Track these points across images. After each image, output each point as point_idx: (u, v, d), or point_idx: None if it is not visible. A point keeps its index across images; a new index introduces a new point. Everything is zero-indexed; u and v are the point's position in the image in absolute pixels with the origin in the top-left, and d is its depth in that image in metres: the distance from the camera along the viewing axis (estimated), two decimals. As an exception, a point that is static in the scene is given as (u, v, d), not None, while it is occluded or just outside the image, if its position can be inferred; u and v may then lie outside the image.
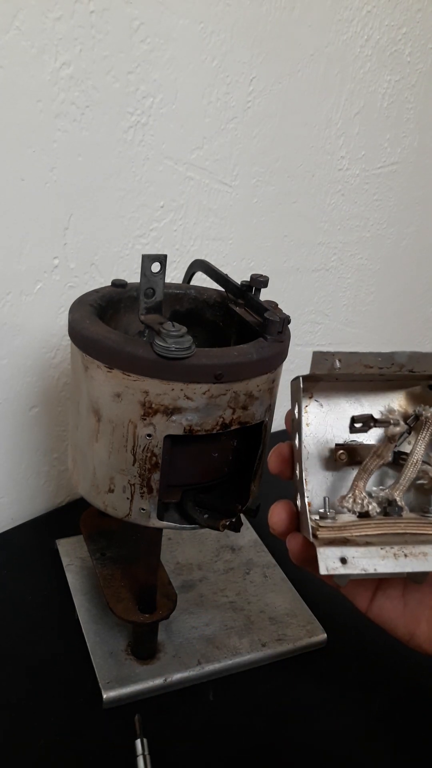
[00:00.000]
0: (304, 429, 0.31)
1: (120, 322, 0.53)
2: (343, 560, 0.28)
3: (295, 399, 0.31)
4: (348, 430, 0.34)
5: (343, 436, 0.34)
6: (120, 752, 0.48)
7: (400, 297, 1.11)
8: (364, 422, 0.32)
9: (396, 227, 1.02)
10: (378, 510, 0.32)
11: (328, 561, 0.28)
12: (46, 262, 0.64)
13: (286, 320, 0.46)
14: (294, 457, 0.31)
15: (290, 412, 0.33)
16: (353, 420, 0.33)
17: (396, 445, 0.32)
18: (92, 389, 0.44)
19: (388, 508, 0.32)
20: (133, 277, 0.68)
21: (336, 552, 0.28)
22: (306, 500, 0.30)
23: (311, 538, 0.29)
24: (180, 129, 0.69)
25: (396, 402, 0.34)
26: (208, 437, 0.44)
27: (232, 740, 0.51)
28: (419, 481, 0.32)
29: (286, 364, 0.48)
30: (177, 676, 0.54)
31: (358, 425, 0.33)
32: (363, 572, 0.28)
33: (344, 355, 0.29)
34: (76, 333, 0.44)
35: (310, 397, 0.31)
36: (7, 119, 0.56)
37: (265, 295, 0.51)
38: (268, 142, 0.78)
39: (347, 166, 0.89)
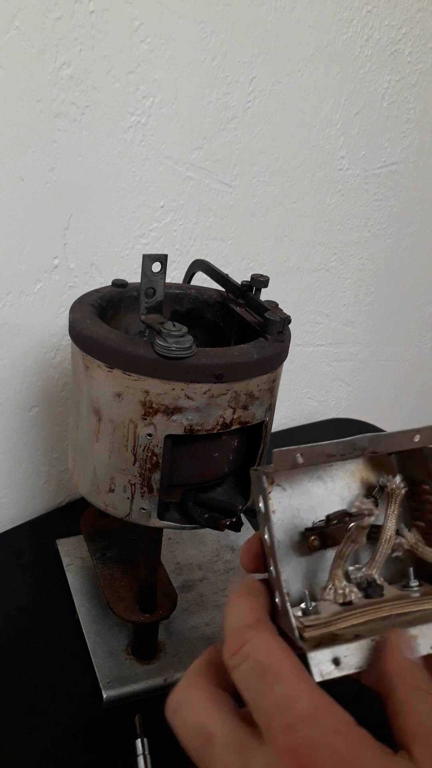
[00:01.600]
0: (272, 517, 0.29)
1: (120, 322, 0.53)
2: (336, 661, 0.27)
3: (258, 491, 0.30)
4: (314, 513, 0.33)
5: (311, 518, 0.33)
6: (120, 752, 0.48)
7: (400, 297, 1.11)
8: (339, 519, 0.32)
9: (396, 227, 1.02)
10: (360, 595, 0.31)
11: (321, 666, 0.27)
12: (46, 262, 0.64)
13: (287, 320, 0.46)
14: (266, 552, 0.30)
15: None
16: (328, 518, 0.32)
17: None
18: (93, 389, 0.44)
19: (369, 589, 0.32)
20: (133, 277, 0.68)
21: (327, 654, 0.27)
22: (285, 597, 0.29)
23: (298, 641, 0.27)
24: (180, 129, 0.69)
25: (357, 474, 0.34)
26: (208, 437, 0.44)
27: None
28: (394, 554, 0.32)
29: (286, 364, 0.48)
30: (177, 676, 0.54)
31: (334, 522, 0.32)
32: (358, 670, 0.28)
33: (305, 449, 0.29)
34: (76, 333, 0.44)
35: (272, 483, 0.30)
36: (7, 119, 0.56)
37: (265, 295, 0.51)
38: (268, 142, 0.78)
39: (347, 166, 0.89)
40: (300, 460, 0.29)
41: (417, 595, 0.31)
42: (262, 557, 0.30)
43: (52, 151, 0.60)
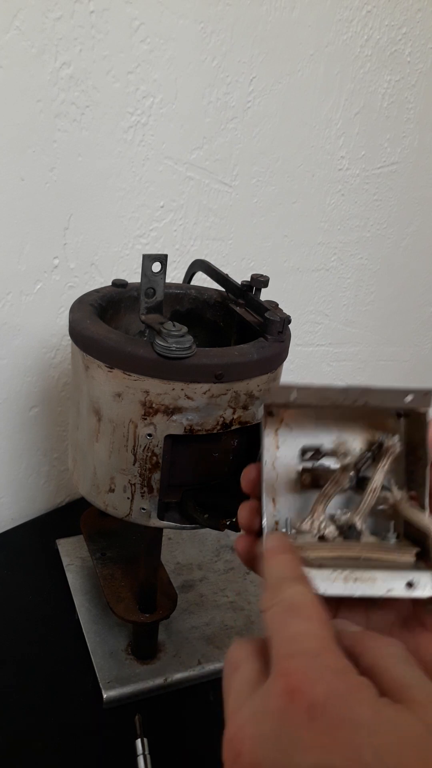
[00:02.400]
0: (275, 453, 0.33)
1: (120, 322, 0.53)
2: None
3: (266, 430, 0.33)
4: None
5: (311, 460, 0.35)
6: (120, 752, 0.48)
7: (400, 297, 1.11)
8: (313, 453, 0.34)
9: (396, 227, 1.02)
10: (336, 533, 0.33)
11: None
12: (46, 262, 0.64)
13: (287, 320, 0.46)
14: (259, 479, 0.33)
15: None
16: (303, 450, 0.33)
17: (357, 472, 0.33)
18: (93, 389, 0.44)
19: (348, 531, 0.33)
20: (133, 277, 0.68)
21: None
22: (264, 521, 0.32)
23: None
24: (180, 129, 0.69)
25: (364, 433, 0.35)
26: (208, 437, 0.44)
27: (232, 740, 0.51)
28: (379, 507, 0.33)
29: (286, 364, 0.48)
30: (177, 676, 0.54)
31: (306, 456, 0.34)
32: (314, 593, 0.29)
33: (302, 388, 0.31)
34: (76, 333, 0.44)
35: (281, 421, 0.33)
36: (7, 119, 0.56)
37: (265, 294, 0.51)
38: (268, 142, 0.78)
39: (347, 166, 0.89)
40: (294, 396, 0.31)
41: (390, 547, 0.32)
42: (256, 483, 0.33)
43: (52, 151, 0.60)
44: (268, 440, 0.33)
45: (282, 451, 0.33)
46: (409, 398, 0.30)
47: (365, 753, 0.20)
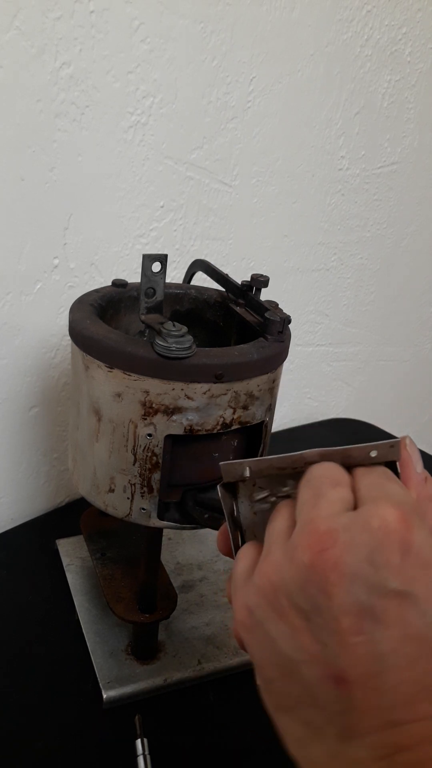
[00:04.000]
0: (249, 505, 0.32)
1: (120, 322, 0.53)
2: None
3: (224, 504, 0.32)
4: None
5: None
6: (120, 752, 0.48)
7: (400, 297, 1.11)
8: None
9: (396, 227, 1.02)
10: None
11: None
12: (46, 262, 0.64)
13: (287, 320, 0.46)
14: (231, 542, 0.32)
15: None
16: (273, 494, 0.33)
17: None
18: (93, 389, 0.44)
19: None
20: (133, 277, 0.68)
21: None
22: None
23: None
24: (180, 129, 0.69)
25: None
26: (208, 437, 0.44)
27: (232, 740, 0.51)
28: None
29: (286, 364, 0.48)
30: (177, 676, 0.54)
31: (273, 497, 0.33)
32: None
33: (253, 462, 0.30)
34: (76, 333, 0.44)
35: (254, 485, 0.31)
36: (7, 119, 0.56)
37: (265, 294, 0.51)
38: (268, 142, 0.78)
39: (347, 166, 0.89)
40: (247, 473, 0.29)
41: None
42: (229, 548, 0.33)
43: (52, 151, 0.60)
44: (229, 508, 0.32)
45: (258, 495, 0.32)
46: (374, 453, 0.28)
47: None
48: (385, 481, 0.27)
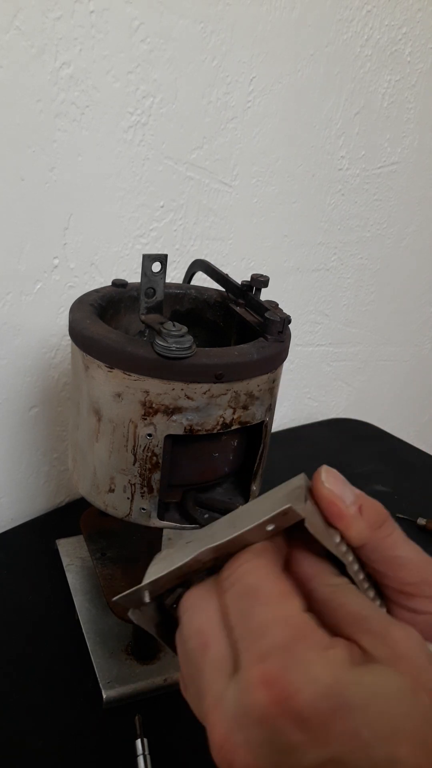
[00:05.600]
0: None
1: (120, 322, 0.53)
2: None
3: (146, 626, 0.29)
4: None
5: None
6: (120, 752, 0.48)
7: (400, 297, 1.11)
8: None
9: (396, 227, 1.02)
10: None
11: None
12: (46, 262, 0.64)
13: (287, 320, 0.46)
14: None
15: None
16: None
17: None
18: (93, 389, 0.44)
19: None
20: (133, 277, 0.68)
21: None
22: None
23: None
24: (180, 129, 0.69)
25: None
26: (208, 437, 0.44)
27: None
28: None
29: (286, 364, 0.48)
30: (177, 676, 0.54)
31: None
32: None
33: (149, 584, 0.27)
34: (76, 333, 0.44)
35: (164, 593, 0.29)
36: (7, 119, 0.56)
37: (265, 294, 0.51)
38: (268, 142, 0.78)
39: (347, 166, 0.89)
40: (147, 598, 0.27)
41: None
42: None
43: (52, 151, 0.60)
44: (154, 623, 0.29)
45: (172, 596, 0.29)
46: (270, 528, 0.24)
47: (363, 733, 0.20)
48: (248, 604, 0.23)
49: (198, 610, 0.25)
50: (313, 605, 0.24)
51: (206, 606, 0.25)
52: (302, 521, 0.24)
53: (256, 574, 0.24)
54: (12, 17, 0.53)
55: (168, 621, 0.29)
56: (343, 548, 0.26)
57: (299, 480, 0.25)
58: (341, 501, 0.25)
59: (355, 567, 0.26)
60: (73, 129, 0.60)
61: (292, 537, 0.26)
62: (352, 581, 0.26)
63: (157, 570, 0.27)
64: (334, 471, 0.26)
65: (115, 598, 0.28)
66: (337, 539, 0.25)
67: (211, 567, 0.27)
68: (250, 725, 0.21)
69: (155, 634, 0.29)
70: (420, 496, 0.87)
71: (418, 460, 0.98)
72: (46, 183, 0.60)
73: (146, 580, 0.27)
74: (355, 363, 1.12)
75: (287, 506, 0.23)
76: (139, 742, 0.47)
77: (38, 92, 0.57)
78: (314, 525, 0.24)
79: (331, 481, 0.25)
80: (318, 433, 1.05)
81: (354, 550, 0.26)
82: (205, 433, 0.43)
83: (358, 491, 0.26)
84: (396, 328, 1.14)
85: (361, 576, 0.26)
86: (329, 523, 0.25)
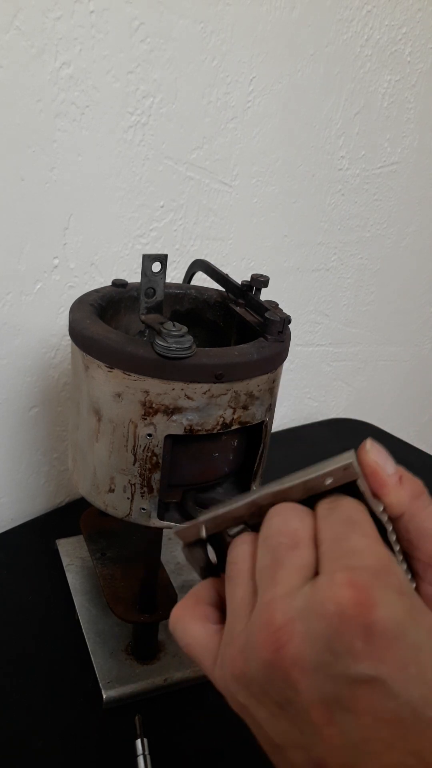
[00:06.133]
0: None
1: (120, 322, 0.53)
2: None
3: (193, 563, 0.30)
4: None
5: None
6: (120, 752, 0.48)
7: (400, 297, 1.11)
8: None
9: (396, 227, 1.02)
10: None
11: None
12: (46, 262, 0.64)
13: (287, 320, 0.46)
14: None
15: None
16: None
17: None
18: (93, 389, 0.44)
19: None
20: (133, 277, 0.69)
21: None
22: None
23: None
24: (180, 129, 0.69)
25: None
26: (208, 437, 0.44)
27: (232, 740, 0.51)
28: None
29: (286, 364, 0.48)
30: (177, 676, 0.54)
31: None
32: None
33: (208, 519, 0.28)
34: (76, 333, 0.44)
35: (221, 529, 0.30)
36: (7, 119, 0.56)
37: (265, 294, 0.51)
38: (268, 142, 0.78)
39: (347, 166, 0.89)
40: (203, 533, 0.28)
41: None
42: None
43: (52, 151, 0.60)
44: (201, 563, 0.30)
45: (231, 530, 0.30)
46: (329, 481, 0.26)
47: (411, 669, 0.22)
48: (346, 530, 0.25)
49: (293, 516, 0.26)
50: None
51: (302, 517, 0.26)
52: (354, 483, 0.26)
53: (358, 511, 0.26)
54: (12, 17, 0.53)
55: (212, 567, 0.30)
56: (385, 517, 0.27)
57: (349, 454, 0.27)
58: (383, 470, 0.27)
59: (393, 537, 0.27)
60: (73, 129, 0.60)
61: None
62: (392, 550, 0.27)
63: (217, 510, 0.28)
64: (378, 444, 0.27)
65: (174, 529, 0.29)
66: (381, 508, 0.27)
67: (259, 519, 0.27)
68: (318, 618, 0.22)
69: (199, 574, 0.30)
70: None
71: (418, 460, 0.98)
72: (46, 183, 0.60)
73: (207, 515, 0.28)
74: (355, 363, 1.12)
75: (349, 461, 0.25)
76: (139, 742, 0.47)
77: (38, 92, 0.57)
78: (364, 487, 0.26)
79: (374, 451, 0.27)
80: (318, 433, 1.05)
81: (393, 522, 0.27)
82: (205, 433, 0.43)
83: (397, 465, 0.28)
84: (396, 328, 1.14)
85: (398, 547, 0.27)
86: (373, 493, 0.27)
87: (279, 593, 0.24)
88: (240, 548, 0.27)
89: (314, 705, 0.22)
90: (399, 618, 0.22)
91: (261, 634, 0.23)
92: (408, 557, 0.28)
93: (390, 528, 0.27)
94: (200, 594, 0.29)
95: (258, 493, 0.27)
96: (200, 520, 0.28)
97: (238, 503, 0.27)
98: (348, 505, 0.26)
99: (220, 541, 0.29)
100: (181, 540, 0.29)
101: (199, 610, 0.29)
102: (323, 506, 0.26)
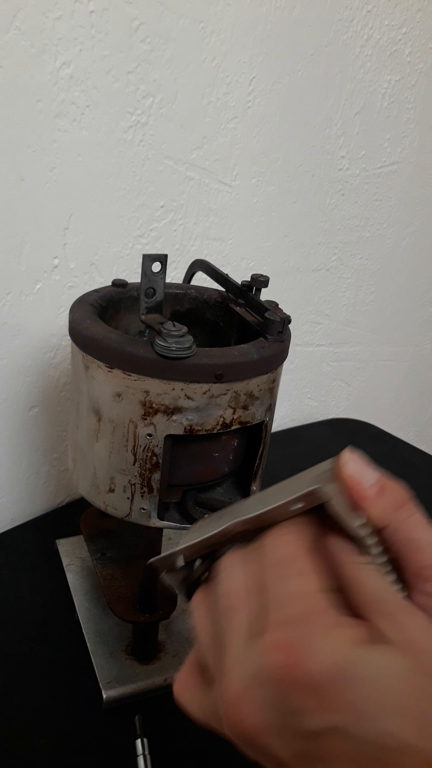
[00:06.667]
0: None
1: (120, 322, 0.53)
2: None
3: (178, 588, 0.31)
4: None
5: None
6: (120, 752, 0.48)
7: (400, 297, 1.11)
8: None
9: (396, 227, 1.02)
10: None
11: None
12: (46, 262, 0.64)
13: (287, 320, 0.46)
14: None
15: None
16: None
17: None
18: (93, 389, 0.44)
19: None
20: (133, 277, 0.69)
21: None
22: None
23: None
24: (180, 129, 0.69)
25: None
26: (208, 437, 0.44)
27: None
28: None
29: (286, 364, 0.48)
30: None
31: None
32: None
33: (185, 549, 0.29)
34: (76, 333, 0.44)
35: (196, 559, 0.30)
36: (7, 119, 0.56)
37: (265, 294, 0.51)
38: (268, 142, 0.78)
39: (347, 166, 0.89)
40: (181, 562, 0.29)
41: None
42: None
43: (52, 151, 0.60)
44: (186, 584, 0.31)
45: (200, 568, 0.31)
46: (298, 506, 0.26)
47: (362, 706, 0.21)
48: (275, 574, 0.25)
49: (237, 571, 0.27)
50: (341, 582, 0.26)
51: (240, 570, 0.27)
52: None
53: (289, 547, 0.26)
54: (12, 17, 0.53)
55: (195, 585, 0.30)
56: (366, 530, 0.26)
57: (330, 463, 0.26)
58: (360, 483, 0.26)
59: (376, 550, 0.27)
60: (73, 129, 0.60)
61: (327, 515, 0.27)
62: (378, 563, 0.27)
63: (191, 537, 0.29)
64: (357, 453, 0.26)
65: (151, 560, 0.30)
66: (362, 521, 0.26)
67: (239, 539, 0.28)
68: (264, 685, 0.23)
69: (184, 596, 0.31)
70: (420, 496, 0.87)
71: (418, 460, 0.98)
72: (46, 183, 0.60)
73: (181, 545, 0.29)
74: (355, 363, 1.12)
75: (313, 488, 0.25)
76: (139, 742, 0.47)
77: (38, 92, 0.57)
78: (338, 506, 0.25)
79: (351, 464, 0.26)
80: (318, 433, 1.05)
81: (379, 533, 0.27)
82: (205, 433, 0.43)
83: (380, 473, 0.27)
84: (396, 328, 1.14)
85: (384, 559, 0.27)
86: (354, 507, 0.26)
87: (230, 662, 0.24)
88: (197, 612, 0.28)
89: (293, 761, 0.23)
90: (335, 660, 0.22)
91: (224, 707, 0.24)
92: (397, 568, 0.27)
93: (372, 542, 0.26)
94: (192, 662, 0.30)
95: (231, 521, 0.27)
96: (176, 550, 0.29)
97: (212, 532, 0.28)
98: (277, 542, 0.26)
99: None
100: (160, 568, 0.30)
101: (192, 681, 0.30)
102: (262, 543, 0.26)
